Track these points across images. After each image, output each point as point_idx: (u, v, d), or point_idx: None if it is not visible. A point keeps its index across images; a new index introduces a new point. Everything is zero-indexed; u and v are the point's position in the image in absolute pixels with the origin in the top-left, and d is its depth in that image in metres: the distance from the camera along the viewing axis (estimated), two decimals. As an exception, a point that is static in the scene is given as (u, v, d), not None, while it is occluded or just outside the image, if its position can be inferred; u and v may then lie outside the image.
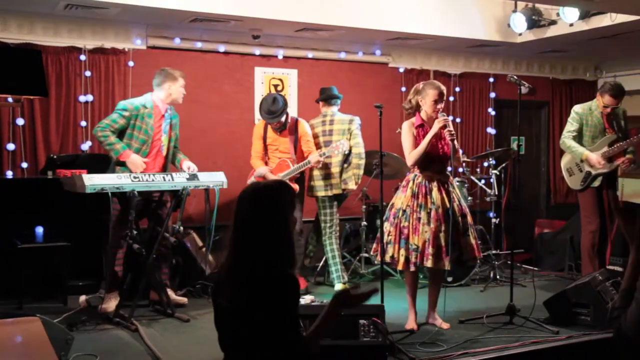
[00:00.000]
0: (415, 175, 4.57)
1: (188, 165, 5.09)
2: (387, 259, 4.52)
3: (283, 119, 5.56)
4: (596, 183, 5.53)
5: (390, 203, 4.67)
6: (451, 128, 4.48)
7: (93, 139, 5.96)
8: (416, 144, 4.52)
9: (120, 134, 4.94)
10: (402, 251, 4.44)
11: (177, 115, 5.25)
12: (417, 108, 4.62)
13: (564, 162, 5.77)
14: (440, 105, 4.53)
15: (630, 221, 5.64)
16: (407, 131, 4.56)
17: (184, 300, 5.19)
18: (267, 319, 2.36)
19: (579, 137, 5.58)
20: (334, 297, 2.53)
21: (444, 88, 4.57)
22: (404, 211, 4.50)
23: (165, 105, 5.08)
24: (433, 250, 4.39)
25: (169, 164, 5.16)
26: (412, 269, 4.47)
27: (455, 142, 4.49)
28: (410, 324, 4.53)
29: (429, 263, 4.40)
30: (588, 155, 5.45)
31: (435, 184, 4.51)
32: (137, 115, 4.94)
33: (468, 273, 6.00)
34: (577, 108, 5.63)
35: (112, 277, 4.92)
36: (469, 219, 4.61)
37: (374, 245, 4.77)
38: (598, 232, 5.57)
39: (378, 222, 4.75)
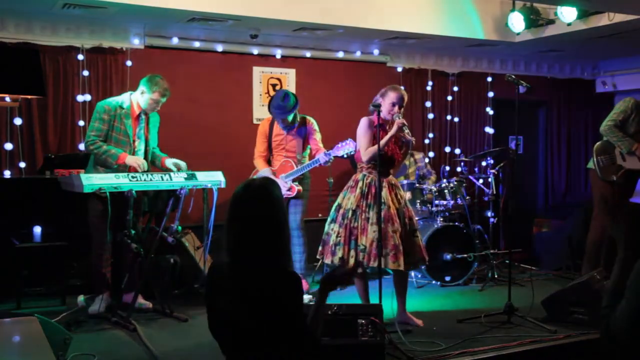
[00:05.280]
0: (365, 175, 4.58)
1: (173, 161, 4.96)
2: (336, 260, 4.47)
3: (291, 117, 5.49)
4: (621, 180, 5.45)
5: (337, 203, 4.64)
6: (407, 132, 4.56)
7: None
8: (373, 142, 4.55)
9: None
10: (352, 252, 4.42)
11: (157, 115, 5.13)
12: (379, 108, 4.65)
13: (597, 151, 5.62)
14: (397, 109, 4.56)
15: (621, 221, 5.60)
16: (366, 127, 4.57)
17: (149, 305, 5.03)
18: (277, 315, 2.38)
19: (622, 129, 5.44)
20: (321, 281, 2.62)
21: (404, 94, 4.63)
22: (354, 211, 4.48)
23: (140, 109, 4.92)
24: (384, 250, 4.38)
25: (149, 167, 5.00)
26: (360, 270, 4.43)
27: (411, 139, 4.58)
28: None
29: (374, 263, 4.36)
30: (639, 147, 5.35)
31: (384, 184, 4.54)
32: (114, 116, 4.82)
33: (464, 269, 6.01)
34: (632, 100, 5.47)
35: (100, 279, 4.89)
36: (414, 221, 4.66)
37: (320, 248, 4.66)
38: (607, 230, 5.50)
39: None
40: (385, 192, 4.51)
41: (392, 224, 4.44)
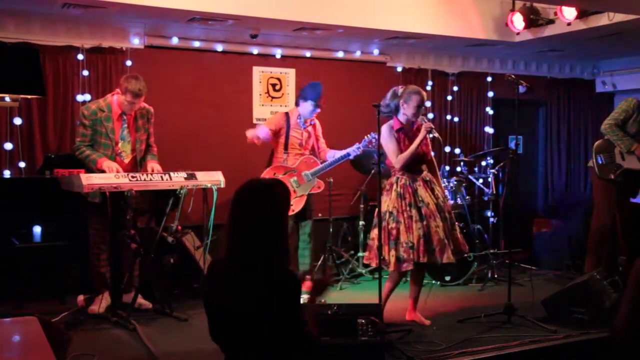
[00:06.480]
0: (398, 177, 4.62)
1: (152, 166, 4.96)
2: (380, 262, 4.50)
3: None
4: (619, 178, 5.50)
5: (377, 210, 4.63)
6: (436, 134, 4.73)
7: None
8: (399, 147, 4.60)
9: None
10: (393, 252, 4.45)
11: (149, 111, 5.09)
12: (396, 111, 4.66)
13: (597, 149, 5.66)
14: (422, 111, 4.66)
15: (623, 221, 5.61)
16: (388, 134, 4.62)
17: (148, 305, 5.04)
18: (275, 315, 2.38)
19: (623, 128, 5.49)
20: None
21: (425, 94, 4.70)
22: (390, 213, 4.53)
23: (120, 109, 4.89)
24: (430, 246, 4.44)
25: (137, 169, 5.00)
26: (410, 267, 4.48)
27: (437, 136, 4.75)
28: None
29: (424, 259, 4.43)
30: (638, 147, 5.40)
31: (419, 182, 4.60)
32: (95, 121, 4.83)
33: (464, 269, 6.01)
34: (635, 100, 5.52)
35: (99, 279, 4.90)
36: (453, 214, 4.74)
37: (366, 254, 4.71)
38: (608, 229, 5.52)
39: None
40: (421, 190, 4.56)
41: (434, 219, 4.51)
